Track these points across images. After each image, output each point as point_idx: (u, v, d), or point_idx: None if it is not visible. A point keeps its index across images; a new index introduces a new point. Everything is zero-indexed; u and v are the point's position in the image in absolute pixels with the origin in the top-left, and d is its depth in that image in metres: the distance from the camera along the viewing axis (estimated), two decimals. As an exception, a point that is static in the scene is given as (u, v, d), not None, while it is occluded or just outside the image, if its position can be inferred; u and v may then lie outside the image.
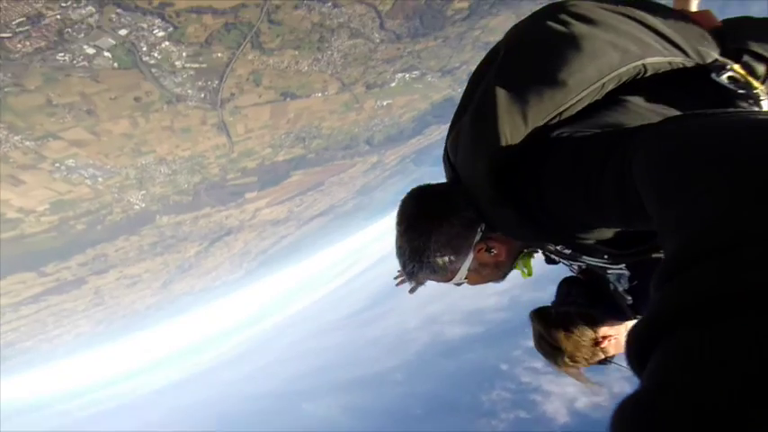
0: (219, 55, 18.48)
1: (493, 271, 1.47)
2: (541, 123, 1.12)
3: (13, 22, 10.92)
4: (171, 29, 15.46)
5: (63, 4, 11.36)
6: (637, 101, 1.13)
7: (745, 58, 1.14)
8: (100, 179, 19.26)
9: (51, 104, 14.70)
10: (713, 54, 1.15)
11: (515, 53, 1.21)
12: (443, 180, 1.50)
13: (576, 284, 1.53)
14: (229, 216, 29.65)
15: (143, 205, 22.92)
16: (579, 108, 1.12)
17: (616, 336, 1.48)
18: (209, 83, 19.66)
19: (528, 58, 1.17)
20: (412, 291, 1.64)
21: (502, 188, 1.17)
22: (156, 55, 16.15)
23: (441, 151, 1.48)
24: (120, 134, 18.83)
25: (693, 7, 1.32)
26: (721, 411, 0.33)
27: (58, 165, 16.91)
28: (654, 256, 1.11)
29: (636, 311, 1.33)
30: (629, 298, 1.30)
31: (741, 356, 0.36)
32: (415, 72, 25.35)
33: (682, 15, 1.24)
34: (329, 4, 18.78)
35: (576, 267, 1.48)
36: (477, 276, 1.47)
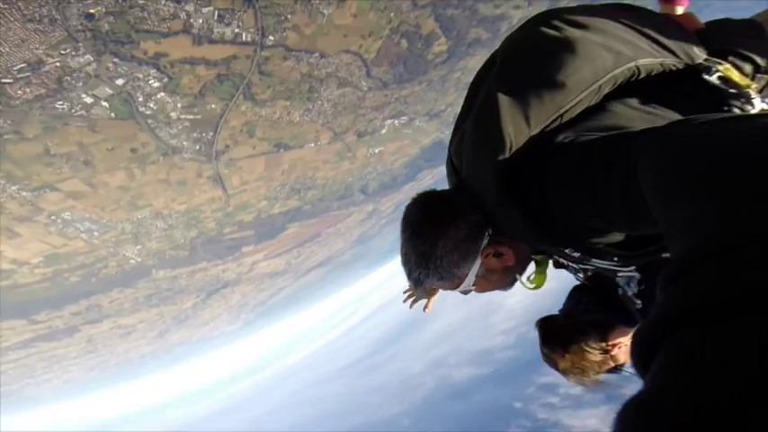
0: (213, 106, 19.23)
1: (501, 277, 1.45)
2: (543, 125, 1.15)
3: (15, 68, 11.56)
4: (166, 79, 16.23)
5: (62, 51, 12.08)
6: (633, 103, 1.16)
7: (731, 58, 1.18)
8: (96, 233, 19.34)
9: (49, 154, 15.13)
10: (701, 55, 1.20)
11: (513, 59, 1.25)
12: None
13: (587, 292, 1.52)
14: (226, 270, 29.43)
15: (139, 260, 22.83)
16: (578, 111, 1.16)
17: (626, 342, 1.46)
18: (204, 134, 20.29)
19: (525, 62, 1.21)
20: (425, 308, 1.69)
21: (508, 189, 1.18)
22: (151, 105, 16.83)
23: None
24: (117, 186, 19.20)
25: (679, 11, 1.38)
26: (723, 412, 0.34)
27: (54, 217, 17.06)
28: (664, 256, 1.11)
29: (645, 316, 1.29)
30: (639, 302, 1.28)
31: (742, 357, 0.36)
32: (404, 117, 26.26)
33: (668, 19, 1.32)
34: (316, 54, 19.87)
35: (581, 275, 1.48)
36: (485, 283, 1.45)
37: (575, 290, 1.56)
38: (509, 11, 21.19)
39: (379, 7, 17.72)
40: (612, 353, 1.45)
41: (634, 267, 1.23)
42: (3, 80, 11.63)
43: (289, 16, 16.82)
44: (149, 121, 17.44)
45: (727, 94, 1.13)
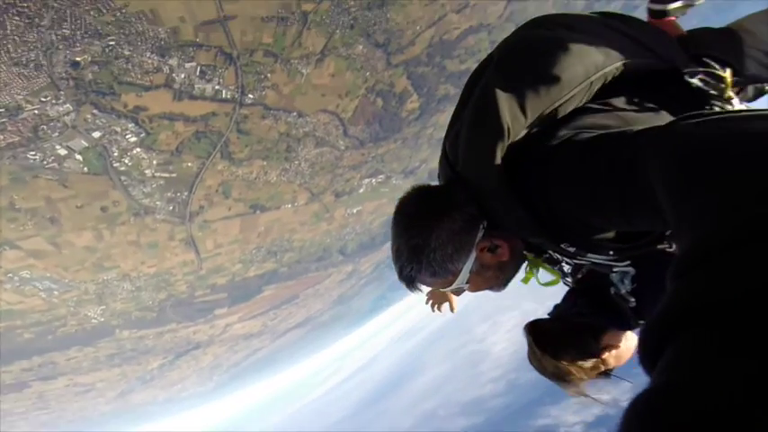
0: (189, 164, 19.04)
1: (495, 274, 1.44)
2: (538, 115, 1.20)
3: (-9, 113, 11.24)
4: (143, 134, 16.10)
5: (42, 99, 11.91)
6: (623, 103, 1.23)
7: (711, 62, 1.29)
8: (56, 292, 17.97)
9: (14, 208, 14.35)
10: (684, 59, 1.31)
11: (509, 56, 1.32)
12: None
13: (581, 294, 1.52)
14: (198, 331, 27.55)
15: (102, 319, 21.17)
16: (572, 107, 1.22)
17: (617, 346, 1.44)
18: (179, 194, 19.87)
19: (521, 59, 1.28)
20: (451, 309, 1.77)
21: (505, 178, 1.21)
22: (126, 161, 16.52)
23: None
24: (83, 247, 18.20)
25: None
26: (726, 411, 0.34)
27: (10, 275, 15.80)
28: (659, 247, 1.16)
29: (639, 315, 1.32)
30: (633, 300, 1.29)
31: (746, 357, 0.36)
32: (381, 176, 26.72)
33: (652, 25, 1.47)
34: (294, 113, 20.42)
35: (569, 280, 1.51)
36: (478, 280, 1.44)
37: (570, 293, 1.54)
38: (474, 65, 22.56)
39: (355, 66, 18.65)
40: (603, 357, 1.40)
41: (629, 262, 1.23)
42: (-23, 125, 11.26)
43: (269, 75, 17.40)
44: (123, 177, 17.01)
45: (707, 95, 1.23)
